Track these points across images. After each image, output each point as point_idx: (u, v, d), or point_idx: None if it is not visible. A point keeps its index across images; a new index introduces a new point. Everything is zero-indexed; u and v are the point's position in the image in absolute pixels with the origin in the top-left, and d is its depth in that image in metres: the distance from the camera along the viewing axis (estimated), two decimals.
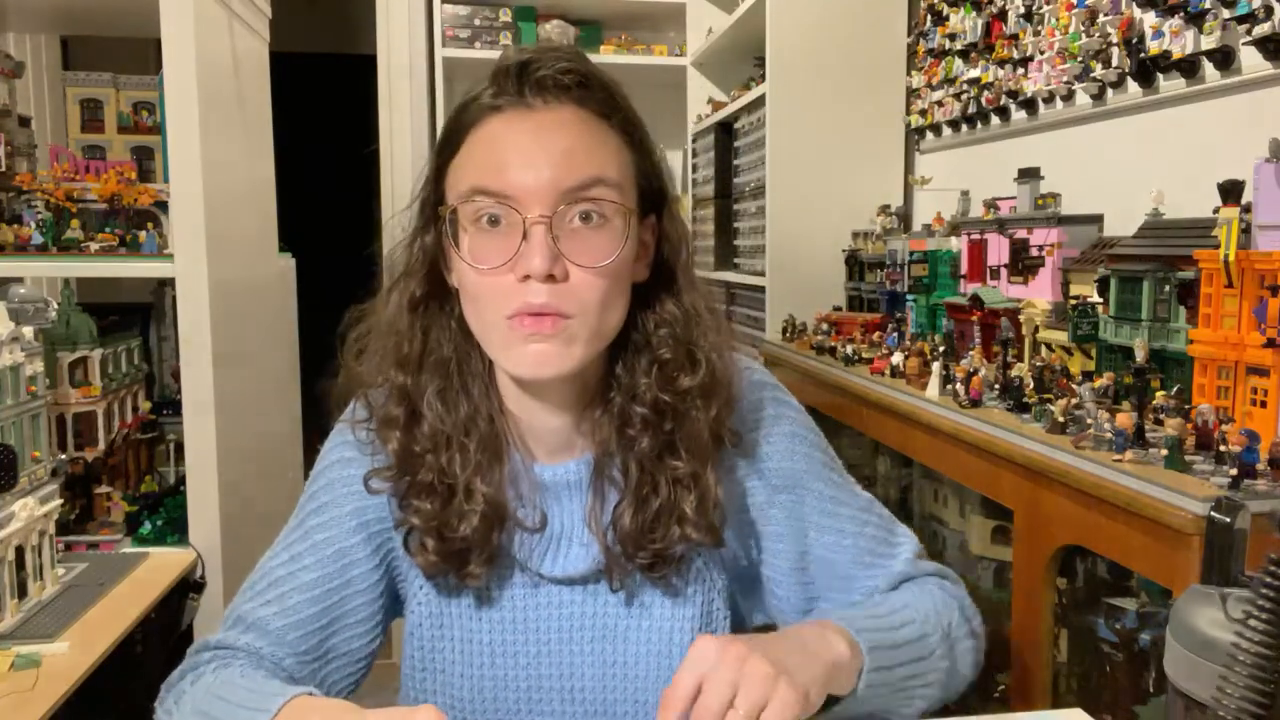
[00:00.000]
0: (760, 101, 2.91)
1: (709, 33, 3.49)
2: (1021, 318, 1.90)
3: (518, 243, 0.79)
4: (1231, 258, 1.34)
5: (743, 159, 3.20)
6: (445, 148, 0.85)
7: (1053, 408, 1.42)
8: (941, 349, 1.97)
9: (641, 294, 0.88)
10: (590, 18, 3.75)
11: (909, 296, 2.42)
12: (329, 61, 5.08)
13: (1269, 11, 1.48)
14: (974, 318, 2.02)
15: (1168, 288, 1.51)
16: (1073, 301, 1.76)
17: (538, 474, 0.89)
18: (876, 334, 2.38)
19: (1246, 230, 1.38)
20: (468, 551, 0.87)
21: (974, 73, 2.43)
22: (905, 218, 2.84)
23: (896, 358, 1.98)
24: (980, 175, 2.45)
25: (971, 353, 1.94)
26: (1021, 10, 2.21)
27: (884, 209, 2.78)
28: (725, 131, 3.33)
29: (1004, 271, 2.01)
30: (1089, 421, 1.39)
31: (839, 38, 2.83)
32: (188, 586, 1.78)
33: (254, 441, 2.13)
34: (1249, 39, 1.52)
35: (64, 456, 1.80)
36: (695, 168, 3.70)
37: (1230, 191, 1.38)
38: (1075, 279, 1.81)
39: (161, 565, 1.73)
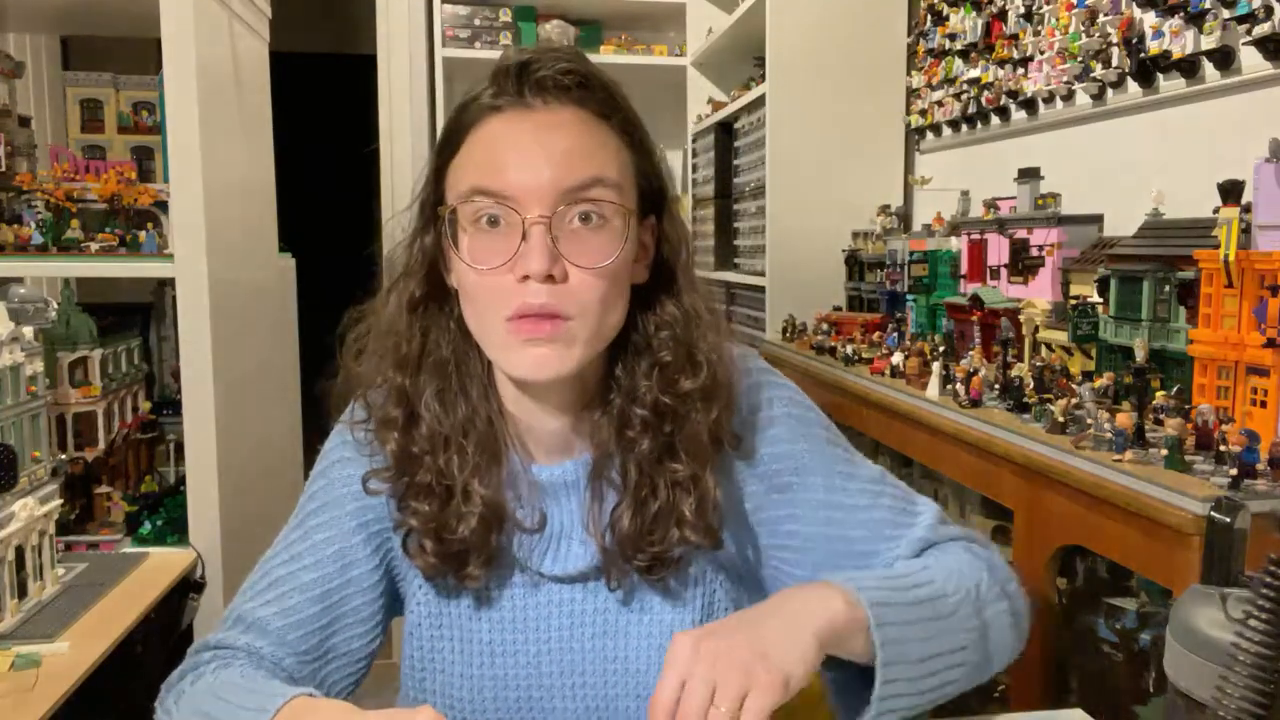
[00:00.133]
0: (760, 101, 2.91)
1: (709, 33, 3.49)
2: (1021, 318, 1.90)
3: (517, 243, 0.79)
4: (1231, 258, 1.34)
5: (743, 159, 3.20)
6: (445, 148, 0.85)
7: (1053, 408, 1.42)
8: (941, 349, 1.97)
9: (641, 295, 0.88)
10: (590, 18, 3.75)
11: (909, 296, 2.42)
12: (329, 61, 5.08)
13: (1269, 11, 1.48)
14: (974, 318, 2.02)
15: (1168, 288, 1.51)
16: (1073, 301, 1.76)
17: (535, 474, 0.89)
18: (876, 334, 2.38)
19: (1246, 230, 1.38)
20: (466, 553, 0.87)
21: (974, 73, 2.43)
22: (905, 218, 2.84)
23: (896, 358, 1.98)
24: (980, 175, 2.45)
25: (971, 353, 1.94)
26: (1021, 10, 2.21)
27: (884, 209, 2.78)
28: (725, 131, 3.33)
29: (1004, 271, 2.01)
30: (1089, 421, 1.39)
31: (839, 38, 2.83)
32: (188, 586, 1.78)
33: (254, 441, 2.13)
34: (1249, 39, 1.52)
35: (64, 456, 1.80)
36: (695, 168, 3.70)
37: (1230, 191, 1.38)
38: (1075, 279, 1.81)
39: (161, 565, 1.72)
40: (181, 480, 1.91)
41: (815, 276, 2.84)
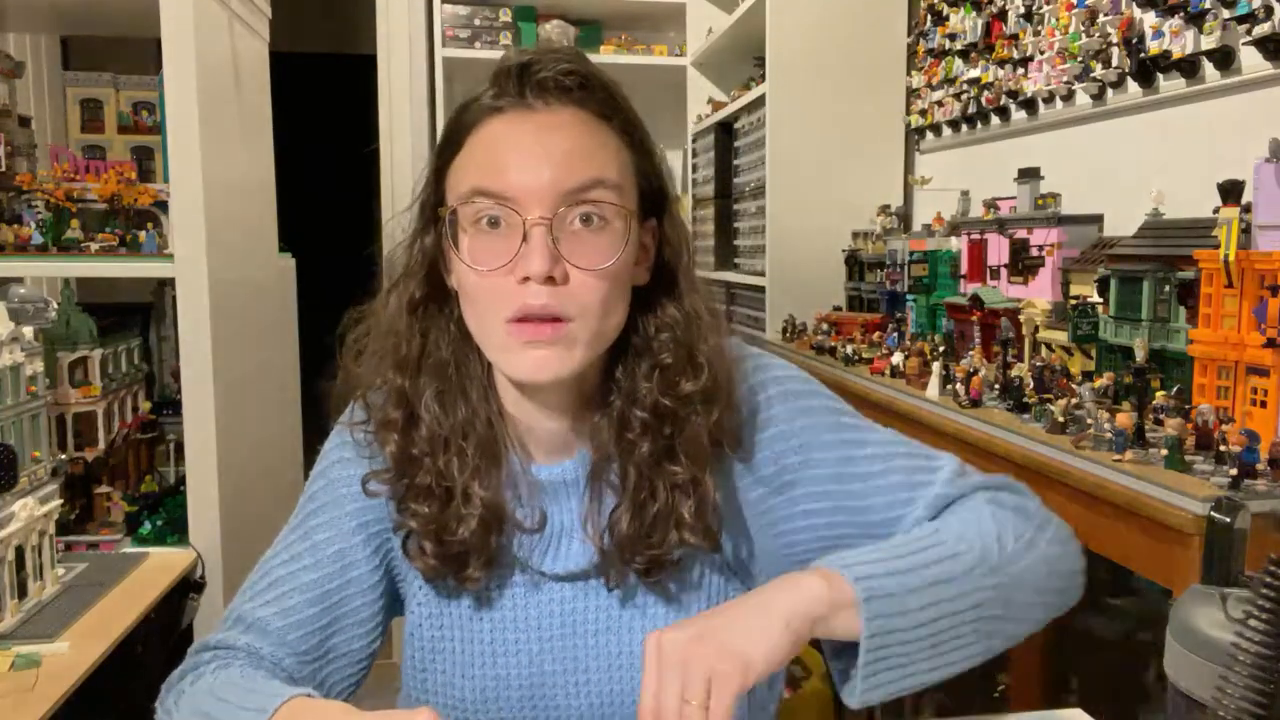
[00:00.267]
0: (760, 101, 2.91)
1: (709, 33, 3.49)
2: (1021, 318, 1.90)
3: (517, 244, 0.78)
4: (1231, 258, 1.34)
5: (743, 159, 3.20)
6: (445, 149, 0.85)
7: (1053, 408, 1.42)
8: (941, 349, 1.97)
9: (642, 297, 0.87)
10: (590, 18, 3.75)
11: (909, 296, 2.42)
12: (329, 61, 5.08)
13: (1269, 11, 1.48)
14: (974, 318, 2.02)
15: (1168, 288, 1.51)
16: (1073, 301, 1.76)
17: (535, 474, 0.88)
18: (876, 334, 2.38)
19: (1246, 230, 1.38)
20: (466, 555, 0.87)
21: (974, 73, 2.43)
22: (905, 218, 2.84)
23: (896, 358, 1.98)
24: (980, 175, 2.45)
25: (971, 353, 1.94)
26: (1021, 10, 2.21)
27: (884, 209, 2.78)
28: (725, 131, 3.33)
29: (1004, 271, 2.01)
30: (1089, 421, 1.39)
31: (839, 38, 2.83)
32: (188, 586, 1.78)
33: (254, 441, 2.14)
34: (1249, 39, 1.52)
35: (64, 456, 1.80)
36: (695, 168, 3.70)
37: (1230, 191, 1.38)
38: (1075, 279, 1.81)
39: (161, 565, 1.72)
40: (181, 480, 1.91)
41: (815, 276, 2.84)
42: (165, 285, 2.25)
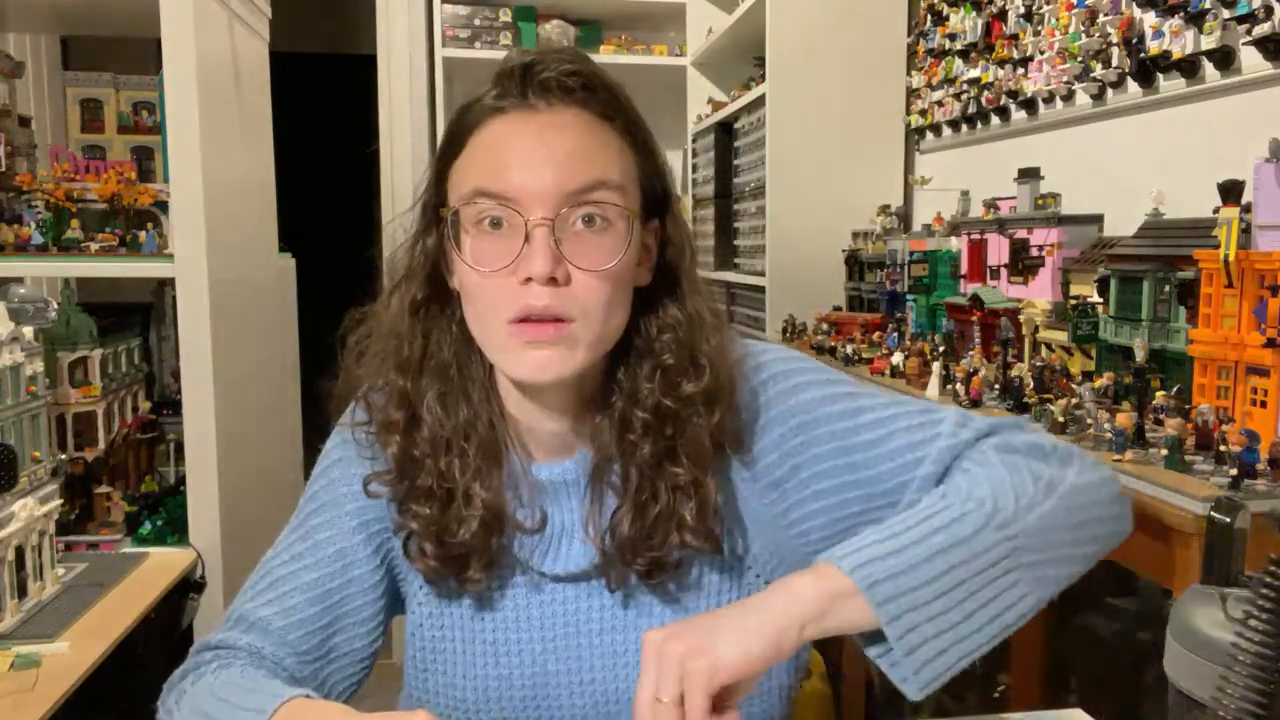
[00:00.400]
0: (760, 101, 2.91)
1: (709, 33, 3.49)
2: (1021, 318, 1.91)
3: (519, 245, 0.78)
4: (1231, 258, 1.34)
5: (743, 159, 3.20)
6: (447, 149, 0.85)
7: (1053, 408, 1.42)
8: (941, 349, 1.97)
9: (644, 298, 0.87)
10: (590, 18, 3.75)
11: (909, 296, 2.42)
12: (329, 61, 5.08)
13: (1269, 11, 1.48)
14: (974, 318, 2.02)
15: (1168, 288, 1.51)
16: (1073, 301, 1.76)
17: (535, 474, 0.88)
18: (876, 334, 2.38)
19: (1246, 230, 1.38)
20: (467, 556, 0.86)
21: (974, 73, 2.43)
22: (905, 218, 2.84)
23: (896, 358, 1.98)
24: (980, 175, 2.45)
25: (971, 353, 1.94)
26: (1021, 10, 2.21)
27: (884, 209, 2.78)
28: (725, 131, 3.33)
29: (1004, 271, 2.01)
30: (1089, 421, 1.39)
31: (839, 38, 2.83)
32: (188, 586, 1.78)
33: (254, 441, 2.14)
34: (1249, 39, 1.52)
35: (64, 456, 1.80)
36: (695, 168, 3.70)
37: (1230, 191, 1.38)
38: (1075, 279, 1.81)
39: (161, 565, 1.72)
40: (181, 480, 1.91)
41: (815, 276, 2.84)
42: (165, 285, 2.25)
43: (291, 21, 2.85)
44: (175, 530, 1.83)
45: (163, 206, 1.87)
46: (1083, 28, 1.94)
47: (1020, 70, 2.23)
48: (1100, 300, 1.65)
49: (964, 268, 2.19)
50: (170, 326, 2.25)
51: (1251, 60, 1.56)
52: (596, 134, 0.82)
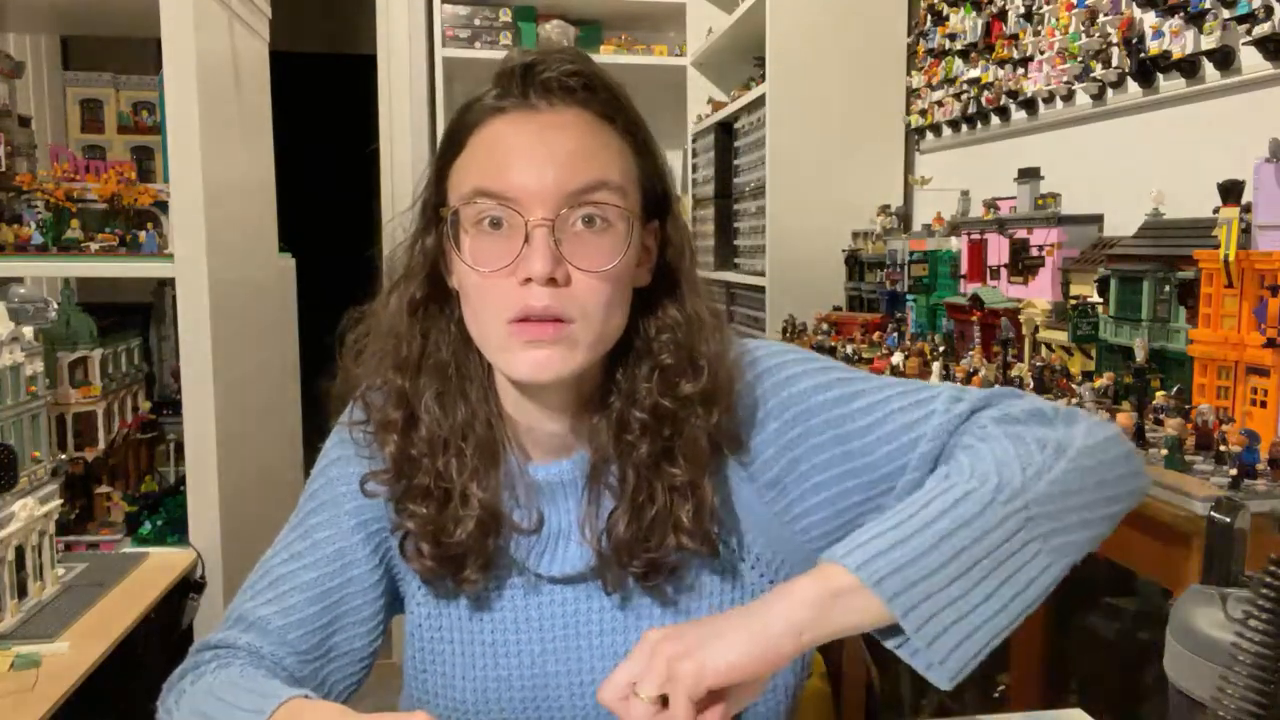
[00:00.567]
0: (760, 101, 2.91)
1: (709, 33, 3.49)
2: (1021, 318, 1.90)
3: (519, 245, 0.78)
4: (1231, 258, 1.34)
5: (743, 159, 3.20)
6: (447, 149, 0.85)
7: None
8: (941, 349, 1.97)
9: (643, 299, 0.87)
10: (590, 18, 3.75)
11: (909, 296, 2.42)
12: (329, 61, 5.08)
13: (1269, 11, 1.48)
14: (974, 318, 2.02)
15: (1168, 288, 1.51)
16: (1073, 301, 1.76)
17: (533, 474, 0.88)
18: (876, 334, 2.38)
19: (1246, 230, 1.38)
20: (464, 556, 0.86)
21: (974, 73, 2.43)
22: (905, 218, 2.84)
23: (896, 358, 1.98)
24: (980, 175, 2.45)
25: (971, 353, 1.94)
26: (1021, 10, 2.21)
27: (884, 209, 2.78)
28: (725, 131, 3.33)
29: (1004, 271, 2.01)
30: None
31: (839, 38, 2.83)
32: (188, 586, 1.78)
33: (254, 441, 2.14)
34: (1249, 39, 1.52)
35: (64, 456, 1.80)
36: (695, 168, 3.70)
37: (1230, 191, 1.38)
38: (1075, 279, 1.81)
39: (161, 565, 1.72)
40: (181, 480, 1.91)
41: (815, 276, 2.84)
42: (165, 285, 2.25)
43: (291, 21, 2.85)
44: (175, 530, 1.83)
45: (163, 206, 1.87)
46: (1083, 28, 1.94)
47: (1020, 70, 2.23)
48: (1100, 300, 1.65)
49: (964, 268, 2.19)
50: (170, 326, 2.25)
51: (1251, 60, 1.56)
52: (597, 134, 0.82)
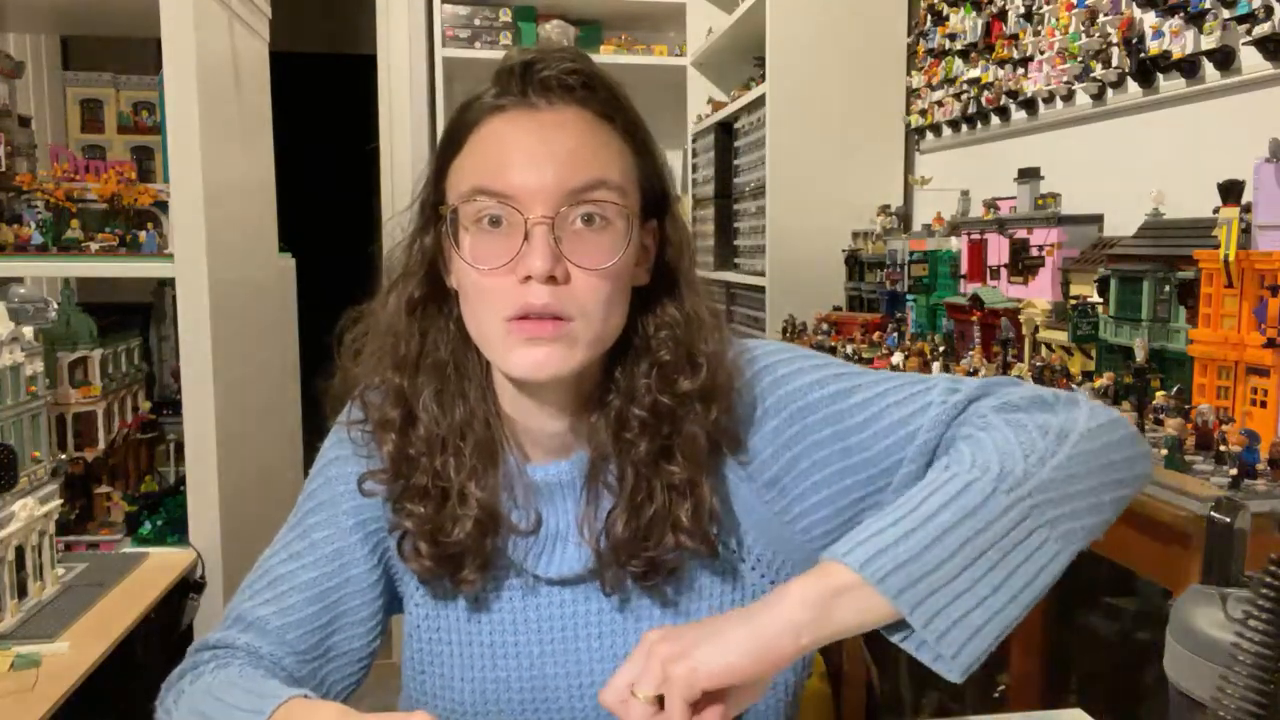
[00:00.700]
0: (760, 101, 2.91)
1: (709, 33, 3.49)
2: (1021, 318, 1.90)
3: (519, 243, 0.78)
4: (1231, 258, 1.34)
5: (743, 159, 3.20)
6: (447, 147, 0.85)
7: None
8: (941, 349, 1.97)
9: (642, 298, 0.87)
10: (590, 18, 3.75)
11: (909, 296, 2.42)
12: (329, 61, 5.08)
13: (1269, 11, 1.48)
14: (974, 318, 2.02)
15: (1168, 288, 1.51)
16: (1073, 301, 1.76)
17: (531, 474, 0.88)
18: (876, 334, 2.38)
19: (1246, 230, 1.38)
20: (462, 556, 0.86)
21: (974, 73, 2.43)
22: (905, 218, 2.84)
23: (896, 358, 1.98)
24: (980, 175, 2.45)
25: (971, 353, 1.94)
26: (1021, 10, 2.21)
27: (884, 209, 2.78)
28: (725, 131, 3.33)
29: (1004, 271, 2.01)
30: None
31: (839, 38, 2.83)
32: (188, 586, 1.78)
33: (254, 441, 2.14)
34: (1249, 39, 1.52)
35: (64, 456, 1.80)
36: (695, 168, 3.70)
37: (1230, 191, 1.38)
38: (1075, 279, 1.81)
39: (161, 565, 1.73)
40: (181, 480, 1.91)
41: (815, 276, 2.84)
42: (165, 285, 2.25)
43: (291, 21, 2.85)
44: (175, 530, 1.83)
45: (163, 206, 1.87)
46: (1083, 28, 1.94)
47: (1020, 70, 2.23)
48: (1100, 300, 1.65)
49: (964, 268, 2.19)
50: (170, 326, 2.25)
51: (1251, 60, 1.56)
52: (596, 133, 0.82)
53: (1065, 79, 2.03)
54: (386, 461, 0.88)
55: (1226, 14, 1.57)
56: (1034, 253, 1.92)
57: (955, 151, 2.66)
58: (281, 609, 0.89)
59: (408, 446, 0.87)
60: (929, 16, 2.71)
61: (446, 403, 0.87)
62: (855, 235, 2.83)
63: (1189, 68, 1.69)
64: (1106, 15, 1.87)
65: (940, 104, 2.63)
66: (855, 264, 2.78)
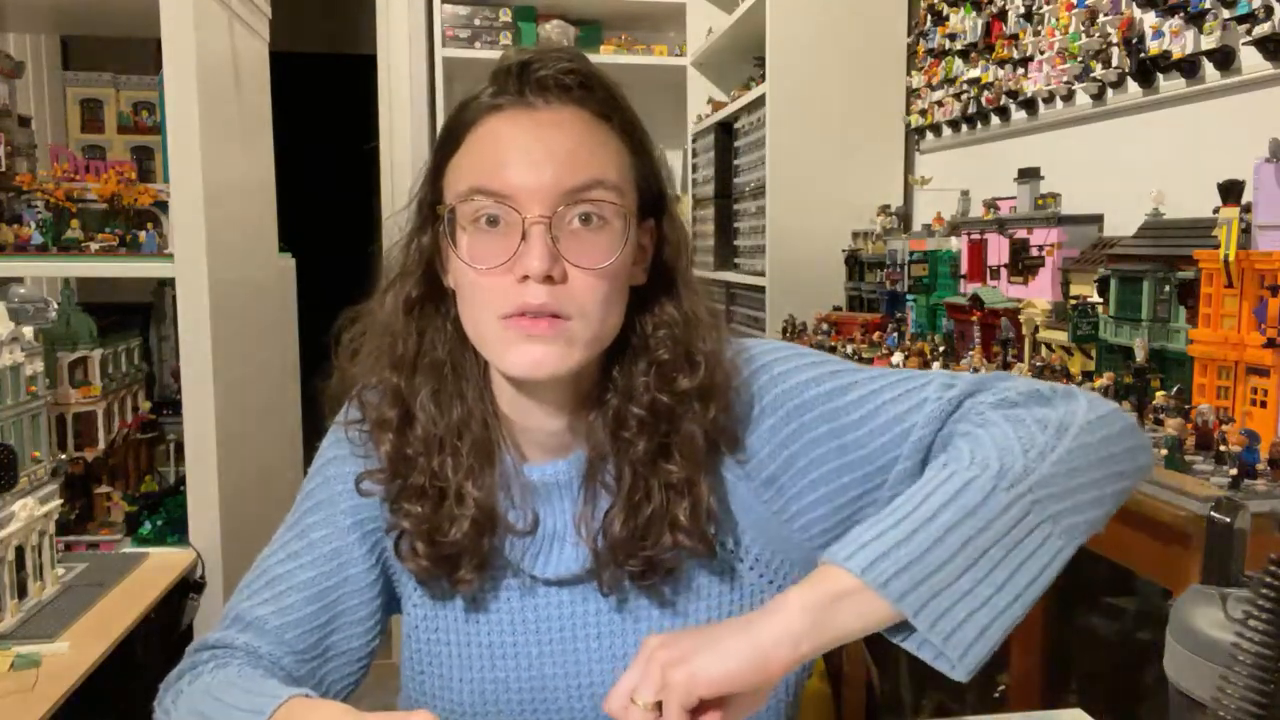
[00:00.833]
0: (760, 101, 2.91)
1: (709, 33, 3.49)
2: (1021, 318, 1.90)
3: (516, 243, 0.78)
4: (1231, 258, 1.34)
5: (743, 159, 3.20)
6: (444, 147, 0.85)
7: None
8: (941, 349, 1.97)
9: (640, 297, 0.87)
10: (590, 18, 3.75)
11: (909, 296, 2.42)
12: (329, 61, 5.08)
13: (1269, 11, 1.48)
14: (974, 318, 2.02)
15: (1168, 288, 1.51)
16: (1073, 301, 1.76)
17: (528, 475, 0.88)
18: (876, 334, 2.38)
19: (1246, 230, 1.38)
20: (459, 556, 0.86)
21: (974, 73, 2.43)
22: (905, 218, 2.84)
23: (896, 358, 1.98)
24: (980, 175, 2.45)
25: (971, 353, 1.94)
26: (1021, 10, 2.21)
27: (884, 209, 2.78)
28: (725, 131, 3.33)
29: (1004, 271, 2.01)
30: None
31: (839, 38, 2.83)
32: (188, 586, 1.78)
33: (254, 441, 2.14)
34: (1249, 39, 1.52)
35: (64, 456, 1.80)
36: (695, 168, 3.70)
37: (1230, 191, 1.38)
38: (1075, 279, 1.81)
39: (161, 565, 1.72)
40: (181, 480, 1.91)
41: (815, 276, 2.84)
42: (165, 285, 2.25)
43: (291, 21, 2.85)
44: (175, 530, 1.83)
45: (163, 206, 1.87)
46: (1083, 28, 1.94)
47: (1020, 70, 2.23)
48: (1100, 300, 1.65)
49: (964, 268, 2.19)
50: (170, 326, 2.25)
51: (1251, 60, 1.56)
52: (594, 132, 0.82)
53: (1065, 79, 2.02)
54: (384, 461, 0.88)
55: (1226, 14, 1.57)
56: (1034, 253, 1.92)
57: (955, 151, 2.66)
58: (280, 609, 0.89)
59: (405, 446, 0.87)
60: (929, 16, 2.71)
61: (444, 402, 0.87)
62: (855, 235, 2.83)
63: (1189, 68, 1.69)
64: (1106, 15, 1.87)
65: (940, 104, 2.63)
66: (855, 264, 2.78)
